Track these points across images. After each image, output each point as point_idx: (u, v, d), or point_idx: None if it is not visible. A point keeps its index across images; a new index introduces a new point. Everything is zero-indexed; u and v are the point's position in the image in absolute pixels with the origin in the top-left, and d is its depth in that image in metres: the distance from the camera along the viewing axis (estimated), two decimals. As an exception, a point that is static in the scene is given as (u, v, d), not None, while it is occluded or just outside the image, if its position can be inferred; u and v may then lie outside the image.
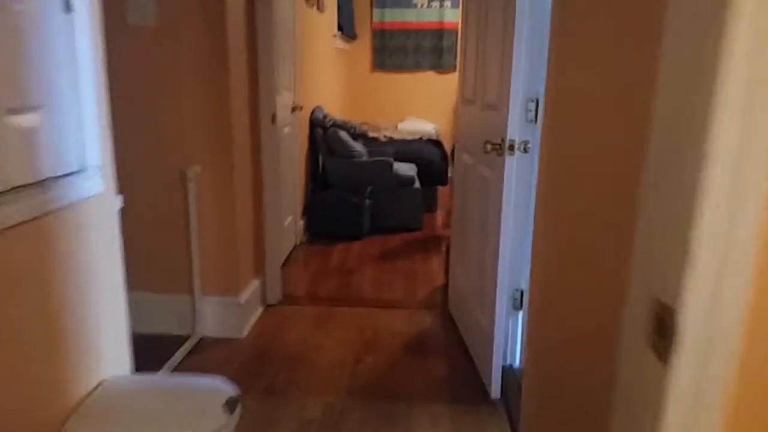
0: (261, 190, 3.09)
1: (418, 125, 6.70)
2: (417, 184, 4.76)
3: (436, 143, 5.86)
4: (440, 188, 5.62)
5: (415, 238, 4.56)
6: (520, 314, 2.46)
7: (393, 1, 6.77)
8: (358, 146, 4.76)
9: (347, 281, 3.58)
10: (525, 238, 2.22)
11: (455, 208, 2.96)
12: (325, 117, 4.66)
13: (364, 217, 4.46)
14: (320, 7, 4.92)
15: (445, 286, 3.49)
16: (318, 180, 4.80)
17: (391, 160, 4.67)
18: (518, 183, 2.11)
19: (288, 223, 3.94)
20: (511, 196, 2.02)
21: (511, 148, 1.96)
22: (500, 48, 2.05)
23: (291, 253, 4.01)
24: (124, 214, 2.76)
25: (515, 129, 1.96)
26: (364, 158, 4.72)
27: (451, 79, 6.95)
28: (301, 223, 4.32)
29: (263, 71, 2.94)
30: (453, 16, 6.74)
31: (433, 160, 5.36)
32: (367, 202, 4.48)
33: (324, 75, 5.35)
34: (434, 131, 6.65)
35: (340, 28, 6.00)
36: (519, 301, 2.44)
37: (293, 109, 3.92)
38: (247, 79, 2.83)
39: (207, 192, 2.68)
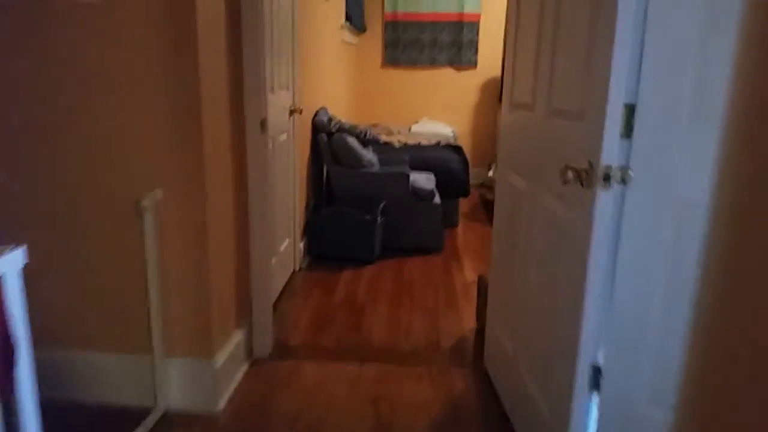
0: (246, 215, 2.43)
1: (434, 128, 6.03)
2: (437, 199, 4.09)
3: (456, 149, 5.19)
4: (461, 200, 4.95)
5: (435, 261, 3.90)
6: (595, 397, 1.79)
7: (407, -10, 6.09)
8: (368, 154, 4.09)
9: (356, 323, 2.93)
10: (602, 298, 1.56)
11: (496, 241, 2.28)
12: (329, 120, 4.00)
13: (376, 237, 3.80)
14: (325, -6, 4.26)
15: (478, 333, 2.82)
16: (322, 194, 4.14)
17: (408, 171, 4.01)
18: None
19: (284, 247, 3.28)
20: (603, 245, 1.35)
21: (607, 178, 1.30)
22: (586, 36, 1.38)
23: (288, 283, 3.36)
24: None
25: (612, 149, 1.29)
26: (376, 168, 4.05)
27: (472, 77, 6.27)
28: (300, 245, 3.66)
29: (249, 66, 2.28)
30: (474, 7, 6.06)
31: (453, 168, 4.70)
32: (380, 219, 3.82)
33: (329, 72, 4.69)
34: (452, 135, 5.98)
35: (347, 18, 5.34)
36: (595, 379, 1.77)
37: (292, 112, 3.26)
38: (227, 76, 2.17)
39: (171, 224, 2.02)
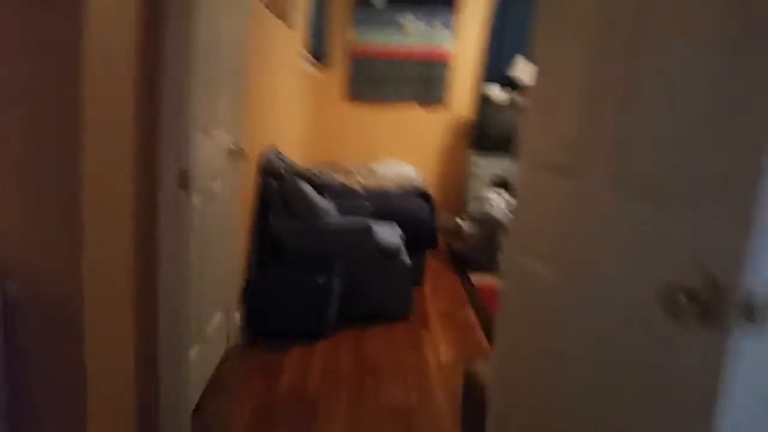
0: (153, 300, 1.77)
1: (396, 168, 5.48)
2: (405, 256, 3.50)
3: (424, 195, 4.65)
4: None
5: (401, 331, 3.28)
6: None
7: (374, 21, 5.60)
8: (324, 202, 3.48)
9: (305, 427, 2.26)
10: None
11: (501, 338, 1.67)
12: (280, 162, 3.39)
13: (331, 304, 3.16)
14: (285, 18, 3.69)
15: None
16: (266, 250, 3.49)
17: (370, 224, 3.41)
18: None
19: (215, 322, 2.61)
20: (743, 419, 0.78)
21: (754, 311, 0.73)
22: (720, 78, 0.83)
23: (217, 370, 2.66)
24: None
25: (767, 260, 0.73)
26: (334, 219, 3.44)
27: (440, 116, 5.79)
28: (236, 316, 2.98)
29: (168, 101, 1.66)
30: (446, 42, 5.61)
31: (421, 218, 4.14)
32: (336, 282, 3.19)
33: (284, 106, 4.08)
34: (416, 176, 5.45)
35: (310, 50, 4.79)
36: None
37: (232, 155, 2.63)
38: (133, 110, 1.54)
39: (29, 327, 1.35)
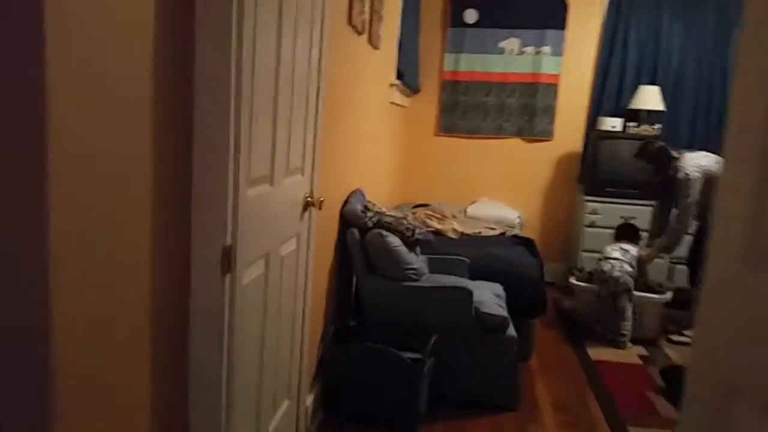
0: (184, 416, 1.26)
1: (496, 210, 4.84)
2: (511, 329, 2.84)
3: (527, 244, 3.97)
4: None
5: (509, 426, 2.61)
6: None
7: (472, 44, 5.05)
8: (416, 260, 2.91)
9: None
10: None
11: None
12: (365, 210, 2.86)
13: (423, 390, 2.56)
14: (374, 41, 3.20)
15: None
16: (346, 315, 2.94)
17: (470, 288, 2.79)
18: None
19: (281, 414, 2.07)
20: None
21: None
22: None
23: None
24: None
25: None
26: (425, 281, 2.86)
27: (545, 150, 5.10)
28: (309, 401, 2.44)
29: (202, 156, 1.16)
30: (553, 68, 4.95)
31: (527, 274, 3.46)
32: (429, 362, 2.59)
33: (371, 142, 3.58)
34: (518, 220, 4.77)
35: (399, 75, 4.30)
36: None
37: (306, 207, 2.12)
38: (150, 164, 1.06)
39: None
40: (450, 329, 2.75)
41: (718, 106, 4.68)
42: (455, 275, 3.17)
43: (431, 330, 2.70)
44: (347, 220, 2.81)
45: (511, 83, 5.02)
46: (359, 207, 2.85)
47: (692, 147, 4.78)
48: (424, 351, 2.57)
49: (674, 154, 3.70)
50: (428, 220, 4.23)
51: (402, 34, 4.20)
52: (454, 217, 4.56)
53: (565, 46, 4.90)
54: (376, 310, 2.81)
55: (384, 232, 2.77)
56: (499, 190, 5.22)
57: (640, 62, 4.76)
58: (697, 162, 3.59)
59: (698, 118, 4.75)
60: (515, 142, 5.14)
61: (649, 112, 4.59)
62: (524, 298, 3.32)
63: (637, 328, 3.71)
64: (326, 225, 2.54)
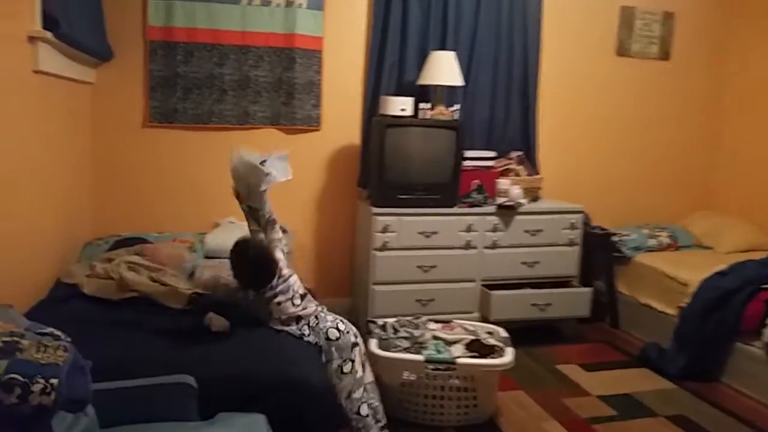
0: None
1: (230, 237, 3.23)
2: None
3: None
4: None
5: None
6: None
7: (189, -13, 3.29)
8: None
9: None
10: None
11: None
12: None
13: None
14: None
15: None
16: None
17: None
18: None
19: None
20: None
21: None
22: None
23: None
24: None
25: None
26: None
27: (312, 144, 3.64)
28: None
29: None
30: (312, 27, 3.48)
31: (304, 382, 1.97)
32: None
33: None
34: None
35: (51, 22, 2.37)
36: None
37: None
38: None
39: None
40: None
41: (521, 83, 3.76)
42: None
43: None
44: None
45: (255, 48, 3.41)
46: None
47: (491, 141, 3.79)
48: None
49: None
50: (132, 277, 2.44)
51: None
52: (181, 259, 2.83)
53: (327, -3, 3.47)
54: None
55: None
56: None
57: (425, 23, 3.57)
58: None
59: (497, 97, 3.77)
60: (269, 134, 3.56)
61: (446, 88, 3.44)
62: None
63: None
64: None
